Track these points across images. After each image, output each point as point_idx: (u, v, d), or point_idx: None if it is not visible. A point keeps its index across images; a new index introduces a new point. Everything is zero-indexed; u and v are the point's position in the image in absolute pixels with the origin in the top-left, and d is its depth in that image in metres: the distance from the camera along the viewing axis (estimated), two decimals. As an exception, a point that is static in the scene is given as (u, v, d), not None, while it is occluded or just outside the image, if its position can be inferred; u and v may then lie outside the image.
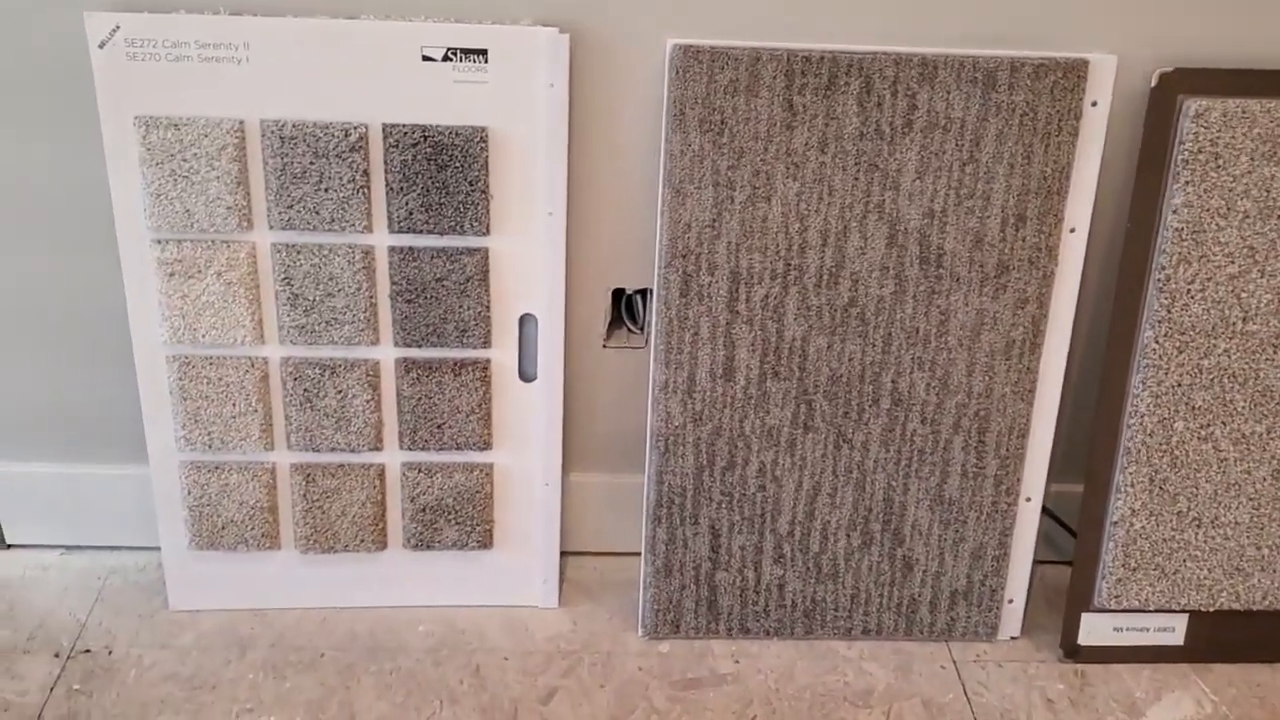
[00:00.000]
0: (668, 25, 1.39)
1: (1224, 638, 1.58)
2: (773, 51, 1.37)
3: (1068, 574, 1.57)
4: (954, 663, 1.58)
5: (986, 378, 1.49)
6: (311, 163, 1.39)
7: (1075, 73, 1.38)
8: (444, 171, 1.40)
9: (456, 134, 1.39)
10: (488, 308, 1.47)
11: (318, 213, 1.41)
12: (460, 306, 1.46)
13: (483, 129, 1.39)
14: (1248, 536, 1.53)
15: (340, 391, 1.49)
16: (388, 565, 1.60)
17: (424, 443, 1.53)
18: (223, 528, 1.55)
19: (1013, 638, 1.63)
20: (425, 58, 1.36)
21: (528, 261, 1.46)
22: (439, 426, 1.52)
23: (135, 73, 1.35)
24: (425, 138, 1.39)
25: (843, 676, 1.55)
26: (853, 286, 1.46)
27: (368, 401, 1.50)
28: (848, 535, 1.56)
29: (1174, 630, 1.58)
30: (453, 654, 1.56)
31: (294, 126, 1.38)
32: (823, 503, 1.54)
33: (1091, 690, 1.54)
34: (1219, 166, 1.39)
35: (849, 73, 1.38)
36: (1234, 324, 1.44)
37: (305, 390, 1.49)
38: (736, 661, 1.57)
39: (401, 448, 1.54)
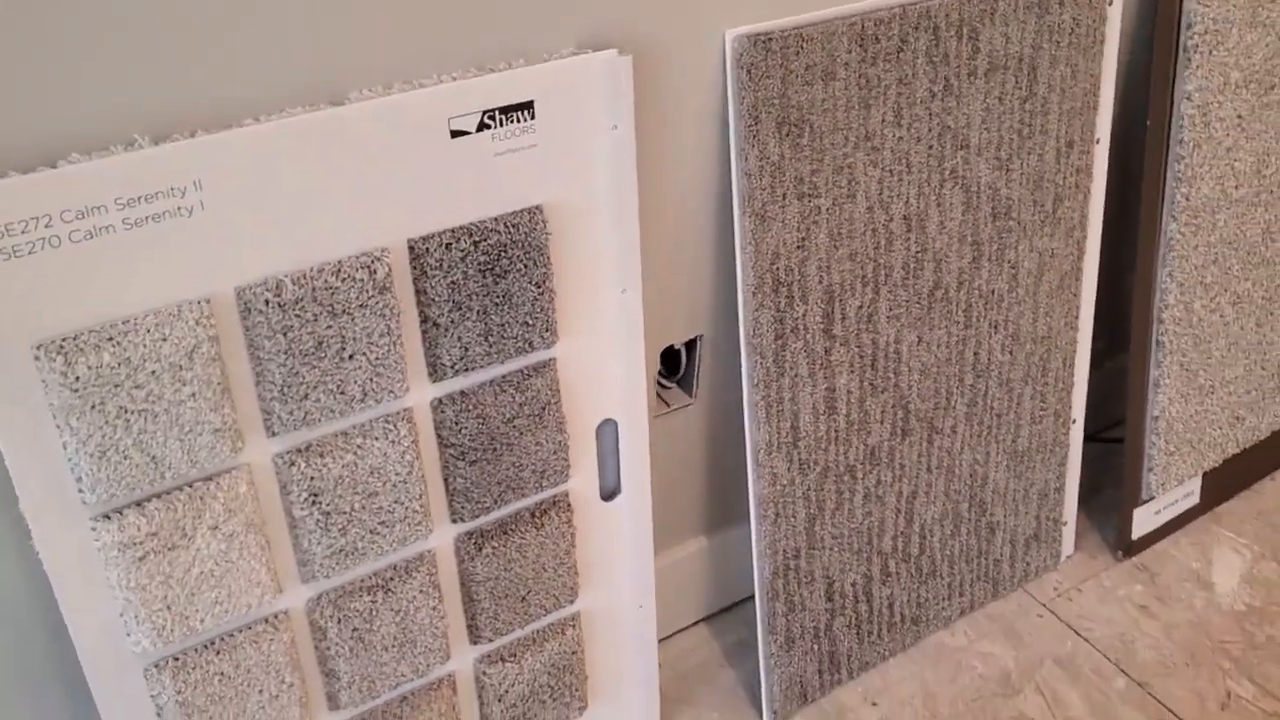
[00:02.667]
0: (716, 19, 1.07)
1: (1223, 482, 1.65)
2: (847, 19, 1.10)
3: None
4: (1045, 607, 1.51)
5: (1048, 319, 1.38)
6: (328, 327, 0.92)
7: (1104, -25, 1.26)
8: (503, 281, 1.00)
9: (513, 226, 0.99)
10: (565, 433, 1.10)
11: (343, 392, 0.95)
12: (536, 445, 1.08)
13: (538, 208, 1.00)
14: (1243, 386, 1.58)
15: (398, 611, 1.06)
16: (468, 785, 1.21)
17: (507, 626, 1.14)
18: None
19: (1067, 556, 1.59)
20: (456, 132, 0.94)
21: (601, 358, 1.10)
22: (523, 599, 1.14)
23: (19, 278, 0.80)
24: (476, 244, 0.97)
25: (973, 671, 1.43)
26: (936, 268, 1.26)
27: (434, 609, 1.08)
28: (941, 525, 1.41)
29: (1193, 493, 1.62)
30: None
31: (295, 284, 0.90)
32: (920, 504, 1.37)
33: (1162, 581, 1.55)
34: (1218, 43, 1.35)
35: (918, 27, 1.14)
36: (1229, 193, 1.44)
37: (355, 629, 1.04)
38: (875, 704, 1.39)
39: (474, 643, 1.14)
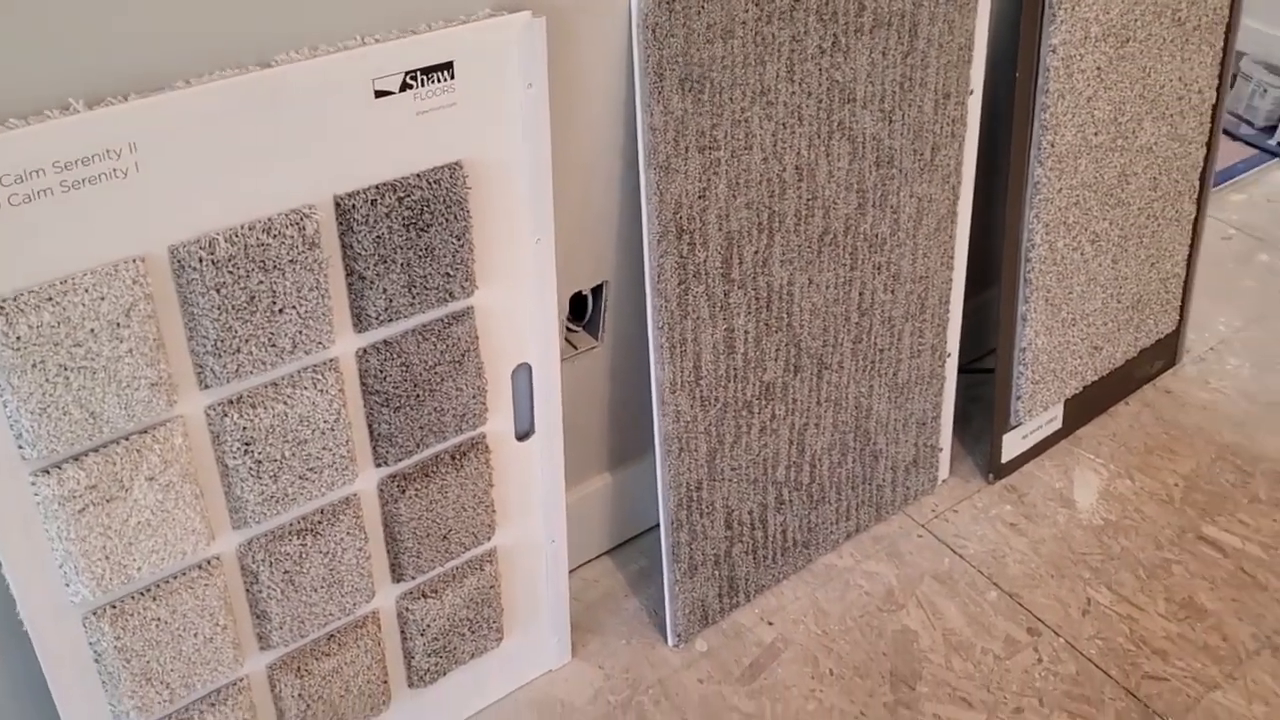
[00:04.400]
0: (618, -26, 1.11)
1: (1082, 407, 1.79)
2: (745, -20, 1.16)
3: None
4: (924, 528, 1.63)
5: (926, 260, 1.48)
6: (260, 282, 0.95)
7: (977, -64, 1.34)
8: (426, 234, 1.04)
9: (435, 182, 1.03)
10: (484, 378, 1.15)
11: (274, 345, 0.99)
12: (456, 390, 1.13)
13: (457, 164, 1.04)
14: (1100, 318, 1.71)
15: (326, 553, 1.11)
16: (395, 717, 1.27)
17: (429, 564, 1.20)
18: (199, 787, 1.12)
19: (943, 480, 1.70)
20: (380, 92, 0.97)
21: (516, 305, 1.16)
22: (444, 537, 1.20)
23: (-38, 239, 0.82)
24: (400, 200, 1.01)
25: (859, 589, 1.54)
26: (825, 215, 1.34)
27: (360, 550, 1.13)
28: (830, 455, 1.50)
29: (1056, 419, 1.75)
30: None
31: (228, 241, 0.93)
32: (811, 435, 1.46)
33: (1029, 500, 1.68)
34: None
35: (810, -14, 1.21)
36: (1089, 140, 1.55)
37: (286, 572, 1.08)
38: (770, 624, 1.48)
39: (397, 581, 1.19)
